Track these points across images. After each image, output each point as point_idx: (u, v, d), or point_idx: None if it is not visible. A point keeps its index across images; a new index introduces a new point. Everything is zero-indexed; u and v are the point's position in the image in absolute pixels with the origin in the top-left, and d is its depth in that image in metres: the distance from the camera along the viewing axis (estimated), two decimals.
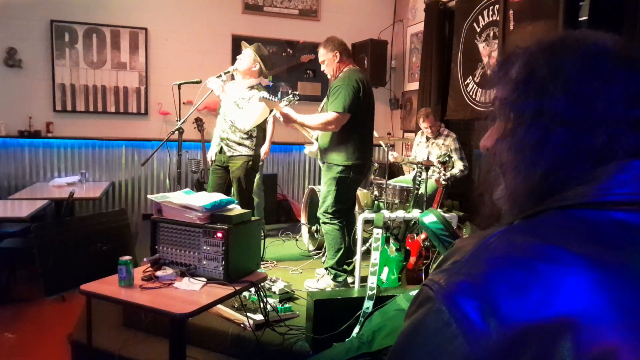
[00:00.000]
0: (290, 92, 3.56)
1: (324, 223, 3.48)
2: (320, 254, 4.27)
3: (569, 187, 0.60)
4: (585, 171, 0.60)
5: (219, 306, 2.87)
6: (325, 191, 3.46)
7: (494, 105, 0.72)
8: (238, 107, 3.79)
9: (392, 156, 4.78)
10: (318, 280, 3.54)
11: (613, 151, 0.60)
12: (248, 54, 3.84)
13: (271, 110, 3.88)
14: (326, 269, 3.51)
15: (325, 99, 3.59)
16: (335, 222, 3.42)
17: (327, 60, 3.52)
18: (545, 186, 0.62)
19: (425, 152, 4.76)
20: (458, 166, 4.65)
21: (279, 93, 6.02)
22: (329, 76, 3.62)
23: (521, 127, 0.65)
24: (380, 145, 4.47)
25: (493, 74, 0.73)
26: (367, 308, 2.65)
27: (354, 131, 3.38)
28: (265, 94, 3.40)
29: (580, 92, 0.61)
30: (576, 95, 0.61)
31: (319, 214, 3.53)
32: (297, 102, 3.50)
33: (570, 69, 0.62)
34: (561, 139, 0.62)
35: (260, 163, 4.49)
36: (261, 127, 4.00)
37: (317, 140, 3.60)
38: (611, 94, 0.60)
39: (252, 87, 3.85)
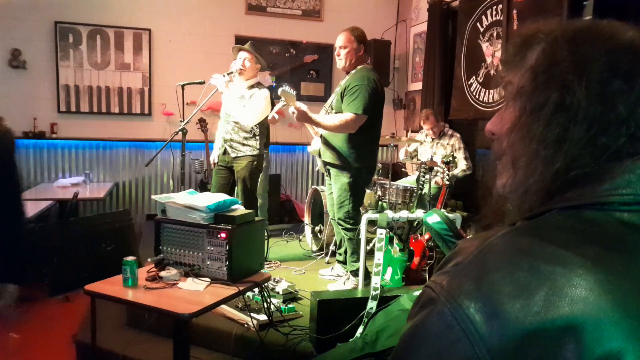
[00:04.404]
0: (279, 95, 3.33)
1: (347, 229, 3.41)
2: (324, 254, 4.28)
3: (579, 186, 0.59)
4: (599, 171, 0.58)
5: (223, 306, 2.87)
6: (342, 196, 3.38)
7: (507, 90, 0.68)
8: (241, 104, 3.81)
9: (405, 152, 4.85)
10: (344, 283, 3.52)
11: (632, 153, 0.58)
12: (246, 55, 3.85)
13: (272, 107, 3.87)
14: (351, 272, 3.47)
15: (334, 95, 3.48)
16: (356, 226, 3.37)
17: (350, 49, 3.35)
18: (556, 184, 0.60)
19: (429, 153, 4.76)
20: (461, 166, 4.64)
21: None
22: (340, 64, 3.44)
23: (539, 120, 0.61)
24: (387, 146, 4.46)
25: (509, 55, 0.69)
26: (371, 308, 2.65)
27: (368, 132, 3.31)
28: (285, 86, 3.30)
29: (603, 90, 0.59)
30: (599, 93, 0.58)
31: (336, 219, 3.46)
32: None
33: (595, 65, 0.59)
34: (580, 137, 0.59)
35: (265, 164, 4.49)
36: (264, 126, 4.01)
37: (320, 136, 3.51)
38: (634, 94, 0.58)
39: (252, 86, 3.90)
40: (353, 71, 3.39)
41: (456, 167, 4.65)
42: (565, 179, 0.60)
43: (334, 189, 3.46)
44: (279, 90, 3.26)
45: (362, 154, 3.35)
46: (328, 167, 3.48)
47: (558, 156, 0.60)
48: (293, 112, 3.25)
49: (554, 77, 0.61)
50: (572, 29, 0.64)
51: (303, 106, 3.28)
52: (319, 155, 3.54)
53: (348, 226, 3.41)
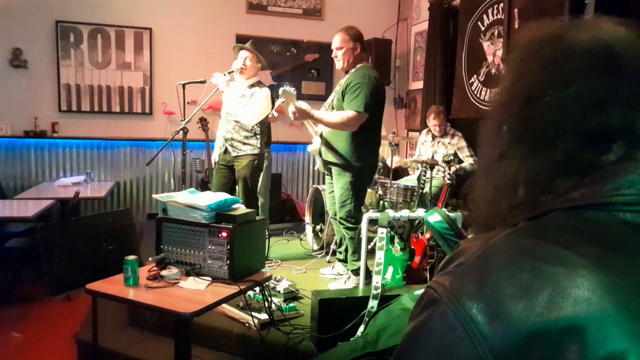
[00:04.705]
0: (280, 95, 3.34)
1: (348, 229, 3.41)
2: (324, 253, 4.28)
3: (582, 187, 0.59)
4: (596, 174, 0.58)
5: (224, 305, 2.87)
6: (344, 195, 3.37)
7: None
8: (241, 103, 3.81)
9: (396, 161, 4.80)
10: (345, 282, 3.51)
11: (593, 163, 0.58)
12: (246, 55, 3.85)
13: (273, 106, 3.87)
14: (352, 271, 3.46)
15: (334, 94, 3.47)
16: (358, 225, 3.36)
17: (347, 48, 3.35)
18: (523, 203, 0.62)
19: (430, 151, 4.76)
20: (469, 161, 4.65)
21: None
22: (338, 65, 3.43)
23: (487, 144, 0.66)
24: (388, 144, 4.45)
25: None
26: (372, 307, 2.65)
27: (369, 131, 3.31)
28: (286, 86, 3.29)
29: (539, 104, 0.60)
30: (535, 108, 0.60)
31: (338, 218, 3.45)
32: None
33: (531, 79, 0.61)
34: (523, 156, 0.61)
35: (266, 163, 4.49)
36: (265, 125, 4.01)
37: (320, 135, 3.50)
38: (563, 102, 0.59)
39: (253, 85, 3.90)
40: (353, 70, 3.38)
41: (459, 163, 4.66)
42: (529, 194, 0.62)
43: (335, 188, 3.46)
44: (280, 90, 3.26)
45: (363, 153, 3.35)
46: (330, 166, 3.47)
47: (513, 177, 0.63)
48: (294, 112, 3.24)
49: (501, 102, 0.66)
50: (528, 43, 0.66)
51: (304, 104, 3.28)
52: (319, 155, 3.54)
53: (349, 225, 3.40)
